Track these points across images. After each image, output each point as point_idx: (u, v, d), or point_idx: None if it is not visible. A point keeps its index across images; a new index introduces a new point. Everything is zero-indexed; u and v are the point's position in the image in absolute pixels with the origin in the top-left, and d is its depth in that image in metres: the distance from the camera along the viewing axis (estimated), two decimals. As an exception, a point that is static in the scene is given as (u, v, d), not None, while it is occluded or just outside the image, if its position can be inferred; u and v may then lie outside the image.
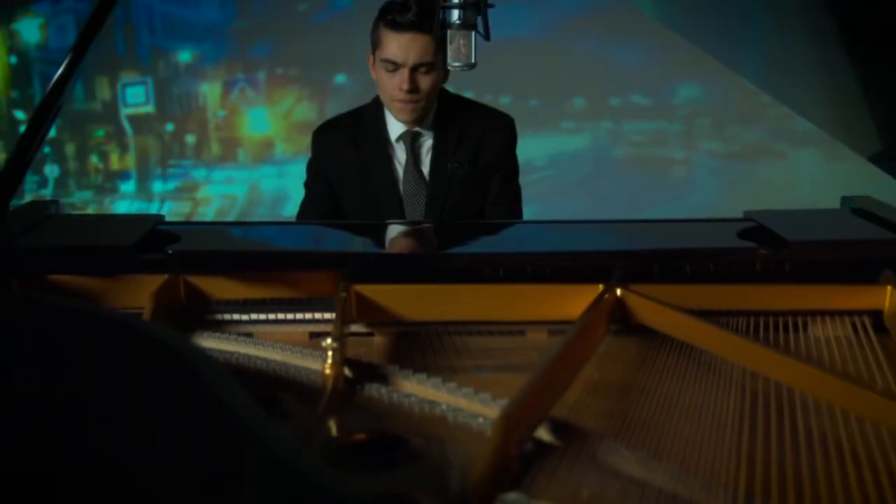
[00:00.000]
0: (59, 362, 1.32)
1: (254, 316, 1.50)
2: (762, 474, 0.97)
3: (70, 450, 1.34)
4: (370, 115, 2.38)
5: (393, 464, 1.03)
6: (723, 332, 1.31)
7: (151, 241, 1.60)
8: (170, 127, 5.43)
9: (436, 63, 2.18)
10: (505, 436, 0.96)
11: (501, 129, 2.40)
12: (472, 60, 1.76)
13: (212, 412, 0.99)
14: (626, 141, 4.90)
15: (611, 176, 4.92)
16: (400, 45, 2.19)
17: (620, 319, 1.42)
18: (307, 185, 2.44)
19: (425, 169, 2.34)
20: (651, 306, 1.39)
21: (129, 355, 1.13)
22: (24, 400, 1.36)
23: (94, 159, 5.56)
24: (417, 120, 2.31)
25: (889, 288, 1.44)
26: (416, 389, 1.21)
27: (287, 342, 1.37)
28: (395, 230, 1.96)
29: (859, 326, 1.43)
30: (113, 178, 5.55)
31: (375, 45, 2.26)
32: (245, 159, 5.35)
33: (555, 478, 0.96)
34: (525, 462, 0.99)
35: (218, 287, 1.52)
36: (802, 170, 4.64)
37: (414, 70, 2.20)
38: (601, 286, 1.42)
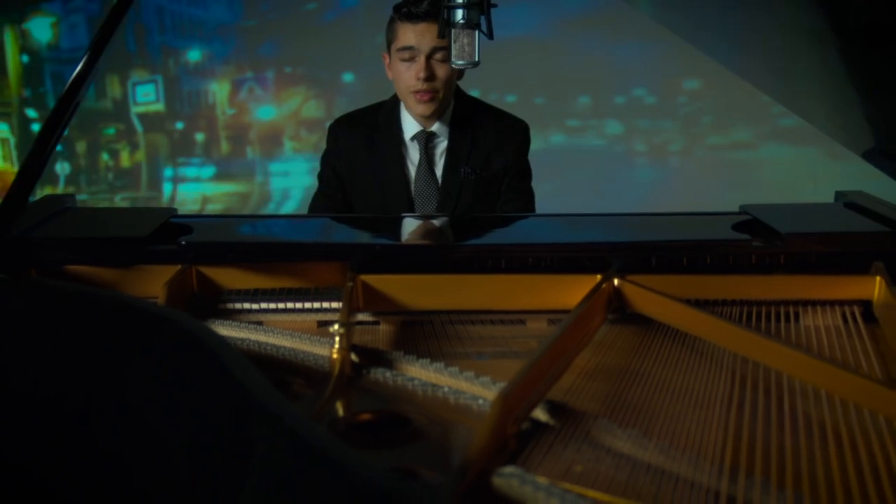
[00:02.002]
0: (76, 346, 1.37)
1: (264, 305, 1.55)
2: (747, 452, 1.02)
3: (84, 436, 1.39)
4: (386, 113, 2.42)
5: (397, 442, 1.08)
6: (715, 320, 1.35)
7: (165, 233, 1.66)
8: (179, 125, 5.49)
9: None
10: (503, 414, 1.01)
11: (516, 135, 2.44)
12: (476, 59, 1.82)
13: (225, 389, 1.04)
14: (630, 138, 4.94)
15: (615, 173, 4.97)
16: (416, 33, 2.25)
17: (618, 309, 1.48)
18: (320, 177, 2.49)
19: (438, 171, 2.39)
20: (647, 295, 1.44)
21: (145, 338, 1.19)
22: (37, 388, 1.41)
23: (104, 157, 5.63)
24: (435, 114, 2.35)
25: (878, 278, 1.49)
26: (420, 373, 1.26)
27: (296, 330, 1.42)
28: (400, 223, 2.01)
29: (849, 316, 1.48)
30: (123, 176, 5.61)
31: (391, 40, 2.32)
32: (253, 157, 5.41)
33: (550, 454, 1.01)
34: (522, 440, 1.05)
35: (229, 277, 1.58)
36: (805, 167, 4.68)
37: (429, 58, 2.25)
38: (599, 276, 1.47)
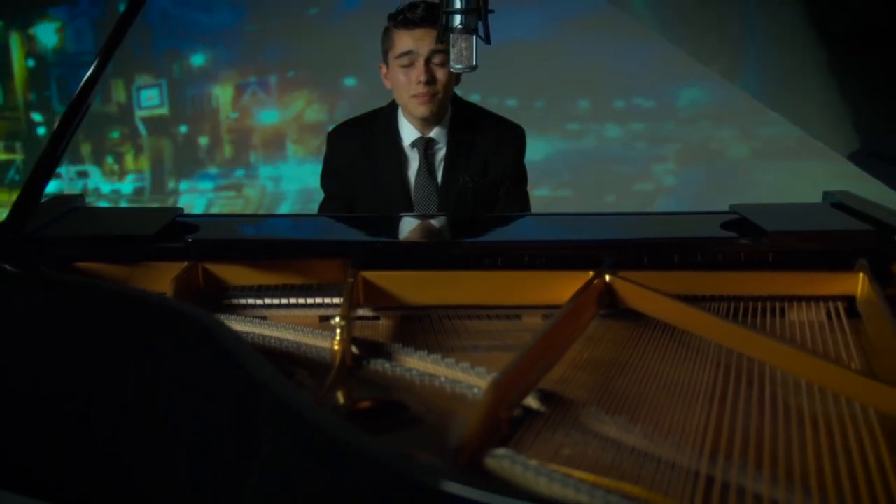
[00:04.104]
0: (86, 340, 1.42)
1: (267, 301, 1.60)
2: (727, 437, 1.08)
3: (88, 431, 1.44)
4: (384, 120, 2.46)
5: (395, 428, 1.13)
6: (701, 313, 1.40)
7: (171, 231, 1.71)
8: (183, 129, 5.54)
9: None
10: (495, 400, 1.07)
11: (513, 142, 2.48)
12: (474, 63, 1.86)
13: (233, 381, 1.09)
14: (629, 142, 4.99)
15: (615, 177, 5.01)
16: (413, 39, 2.30)
17: (610, 304, 1.53)
18: (323, 187, 2.53)
19: (438, 177, 2.43)
20: (637, 291, 1.49)
21: (157, 330, 1.24)
22: (48, 381, 1.46)
23: (109, 160, 5.68)
24: (434, 117, 2.38)
25: (861, 275, 1.54)
26: (417, 364, 1.31)
27: (298, 325, 1.48)
28: (399, 221, 2.07)
29: (833, 312, 1.53)
30: (127, 179, 5.67)
31: (388, 48, 2.36)
32: (256, 161, 5.46)
33: (540, 438, 1.07)
34: (514, 425, 1.10)
35: (234, 274, 1.63)
36: (806, 170, 4.71)
37: (428, 61, 2.30)
38: (591, 273, 1.52)
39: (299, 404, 0.97)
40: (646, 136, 4.96)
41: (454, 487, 0.79)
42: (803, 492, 0.95)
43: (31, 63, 5.67)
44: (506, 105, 4.67)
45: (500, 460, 0.98)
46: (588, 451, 1.04)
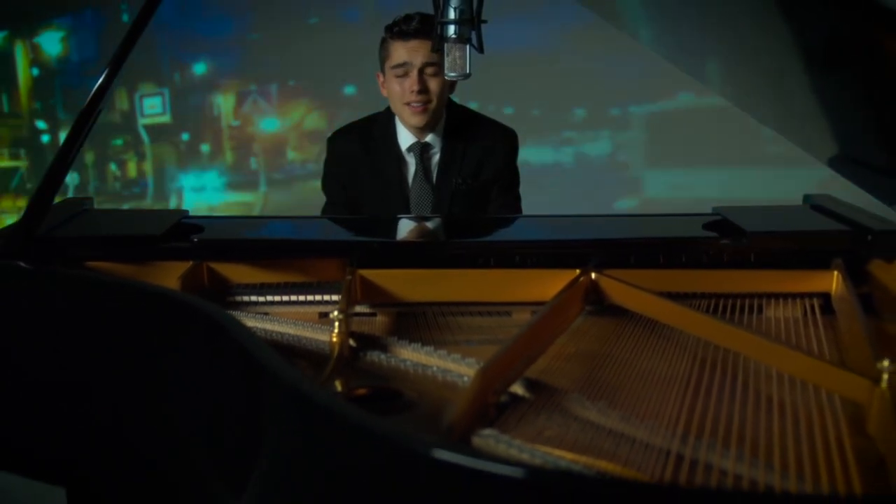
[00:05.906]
0: (104, 333, 1.49)
1: (269, 298, 1.68)
2: (699, 420, 1.15)
3: (101, 422, 1.51)
4: (382, 124, 2.53)
5: (390, 412, 1.21)
6: (682, 308, 1.48)
7: (178, 232, 1.79)
8: (185, 136, 5.62)
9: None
10: (483, 386, 1.14)
11: (505, 144, 2.56)
12: (467, 71, 1.94)
13: (241, 361, 1.17)
14: (625, 150, 5.05)
15: (610, 183, 5.08)
16: (408, 50, 2.38)
17: (596, 301, 1.60)
18: (325, 192, 2.60)
19: (433, 181, 2.51)
20: (621, 287, 1.56)
21: (167, 320, 1.31)
22: (62, 373, 1.53)
23: (112, 167, 5.76)
24: (429, 125, 2.46)
25: (835, 273, 1.62)
26: (412, 356, 1.39)
27: (299, 321, 1.55)
28: (396, 222, 2.15)
29: (808, 308, 1.61)
30: (130, 186, 5.74)
31: (384, 59, 2.44)
32: (257, 167, 5.53)
33: (524, 420, 1.14)
34: (501, 409, 1.18)
35: (237, 272, 1.71)
36: (802, 178, 4.76)
37: (422, 72, 2.38)
38: (578, 271, 1.60)
39: (304, 388, 1.04)
40: (642, 143, 5.02)
41: (447, 455, 0.87)
42: (766, 468, 1.02)
43: (35, 72, 5.76)
44: (503, 113, 4.73)
45: (486, 439, 1.06)
46: (568, 432, 1.12)
